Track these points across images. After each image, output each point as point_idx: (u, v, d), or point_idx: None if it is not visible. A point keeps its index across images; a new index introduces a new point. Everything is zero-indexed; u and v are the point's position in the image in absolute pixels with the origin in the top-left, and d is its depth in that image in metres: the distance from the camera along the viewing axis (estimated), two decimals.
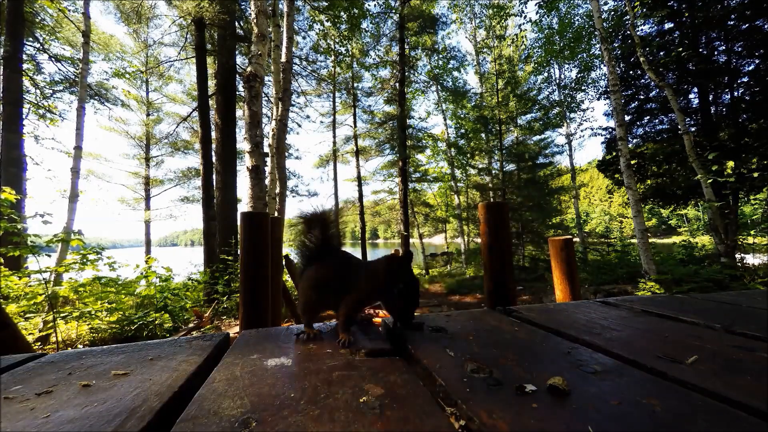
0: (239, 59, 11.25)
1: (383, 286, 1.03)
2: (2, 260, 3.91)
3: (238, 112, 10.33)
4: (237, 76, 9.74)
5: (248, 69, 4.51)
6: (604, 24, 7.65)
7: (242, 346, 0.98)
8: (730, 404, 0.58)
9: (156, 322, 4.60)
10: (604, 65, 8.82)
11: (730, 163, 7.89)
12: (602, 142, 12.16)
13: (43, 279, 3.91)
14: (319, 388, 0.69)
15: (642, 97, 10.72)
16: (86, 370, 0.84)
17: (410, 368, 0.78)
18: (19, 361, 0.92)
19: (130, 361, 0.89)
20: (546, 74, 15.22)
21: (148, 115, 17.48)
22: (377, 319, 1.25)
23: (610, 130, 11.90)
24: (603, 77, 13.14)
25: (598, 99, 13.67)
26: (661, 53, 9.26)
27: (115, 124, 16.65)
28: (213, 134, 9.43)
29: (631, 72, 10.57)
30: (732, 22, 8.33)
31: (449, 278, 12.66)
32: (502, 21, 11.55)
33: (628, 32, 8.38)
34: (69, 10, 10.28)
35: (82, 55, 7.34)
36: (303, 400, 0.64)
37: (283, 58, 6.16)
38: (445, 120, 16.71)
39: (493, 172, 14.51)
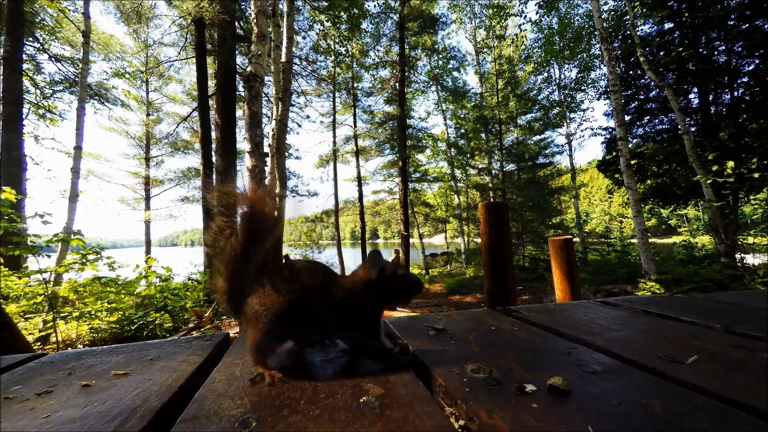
0: (239, 59, 11.24)
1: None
2: (2, 260, 3.91)
3: (238, 112, 10.32)
4: (237, 76, 9.73)
5: (248, 69, 4.51)
6: (604, 24, 7.65)
7: (242, 346, 0.98)
8: (730, 404, 0.58)
9: (156, 322, 4.60)
10: (604, 65, 8.82)
11: (730, 163, 7.88)
12: (602, 142, 12.17)
13: (43, 279, 3.91)
14: (319, 388, 0.69)
15: (642, 97, 10.72)
16: (86, 370, 0.84)
17: (410, 368, 0.78)
18: (19, 361, 0.92)
19: (130, 361, 0.88)
20: (546, 74, 15.25)
21: (148, 115, 17.46)
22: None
23: (610, 130, 11.89)
24: (603, 77, 13.16)
25: (598, 99, 13.69)
26: (661, 53, 9.26)
27: (115, 124, 16.64)
28: (213, 134, 9.43)
29: (631, 72, 10.57)
30: (732, 22, 8.32)
31: (449, 278, 12.65)
32: (502, 21, 11.57)
33: (628, 32, 8.38)
34: (69, 10, 10.29)
35: (82, 55, 7.36)
36: (303, 400, 0.64)
37: (283, 58, 6.16)
38: (445, 120, 16.73)
39: (493, 172, 14.52)
